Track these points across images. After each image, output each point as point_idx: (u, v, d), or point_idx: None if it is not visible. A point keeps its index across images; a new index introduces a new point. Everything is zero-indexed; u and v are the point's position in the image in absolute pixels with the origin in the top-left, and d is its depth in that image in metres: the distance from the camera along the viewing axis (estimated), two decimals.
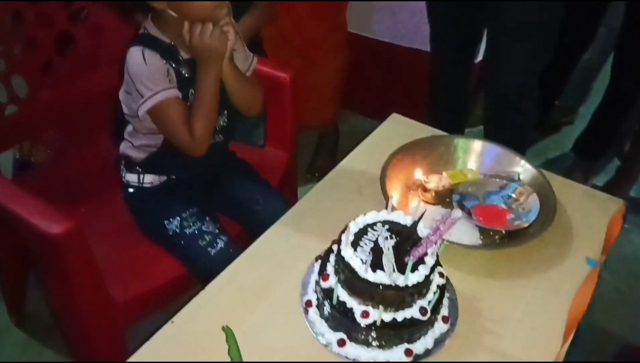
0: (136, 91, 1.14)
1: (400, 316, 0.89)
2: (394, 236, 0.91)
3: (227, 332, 0.92)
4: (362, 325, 0.88)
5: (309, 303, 0.97)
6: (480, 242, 1.12)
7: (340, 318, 0.90)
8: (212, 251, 1.21)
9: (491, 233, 1.13)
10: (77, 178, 1.48)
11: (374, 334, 0.88)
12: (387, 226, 0.93)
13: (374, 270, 0.86)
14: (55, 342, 1.55)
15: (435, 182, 1.19)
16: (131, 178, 1.31)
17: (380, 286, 0.85)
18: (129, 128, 1.27)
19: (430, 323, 0.91)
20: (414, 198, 1.20)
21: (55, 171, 1.56)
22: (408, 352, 0.89)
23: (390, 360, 0.89)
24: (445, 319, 0.94)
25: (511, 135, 1.76)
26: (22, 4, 1.38)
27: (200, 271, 1.20)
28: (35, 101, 1.43)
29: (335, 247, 0.94)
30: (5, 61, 1.39)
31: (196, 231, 1.23)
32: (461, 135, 1.32)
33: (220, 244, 1.22)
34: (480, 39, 1.90)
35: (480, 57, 2.01)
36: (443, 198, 1.19)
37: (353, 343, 0.90)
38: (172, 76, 1.15)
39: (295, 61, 1.87)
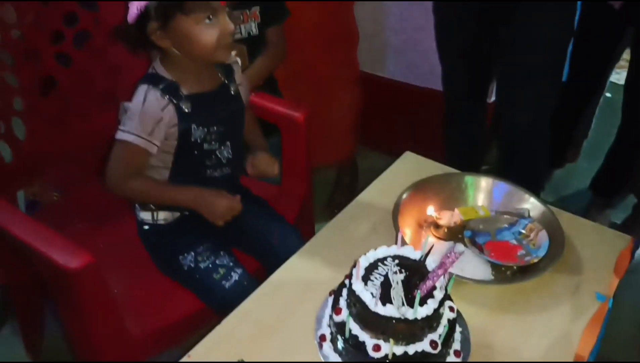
0: (124, 117, 1.19)
1: (411, 349, 0.89)
2: (403, 270, 0.93)
3: None
4: (375, 358, 0.89)
5: (323, 337, 0.98)
6: (492, 277, 1.13)
7: (353, 352, 0.91)
8: (227, 284, 1.23)
9: (503, 268, 1.14)
10: (88, 215, 1.53)
11: None
12: (397, 261, 0.95)
13: (383, 304, 0.88)
14: None
15: (447, 218, 1.22)
16: (145, 216, 1.34)
17: (393, 320, 0.87)
18: None
19: (442, 356, 0.92)
20: (426, 234, 1.22)
21: (65, 209, 1.61)
22: None
23: None
24: (457, 353, 0.95)
25: (524, 173, 1.78)
26: (42, 45, 1.46)
27: (216, 304, 1.23)
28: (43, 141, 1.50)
29: (347, 281, 0.96)
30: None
31: (210, 265, 1.26)
32: (472, 173, 1.34)
33: (235, 277, 1.24)
34: (491, 79, 1.94)
35: (493, 98, 2.06)
36: (455, 234, 1.21)
37: None
38: (161, 130, 1.19)
39: (308, 98, 1.93)
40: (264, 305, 1.07)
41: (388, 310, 0.87)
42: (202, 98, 1.23)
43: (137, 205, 1.37)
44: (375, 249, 0.96)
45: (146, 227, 1.34)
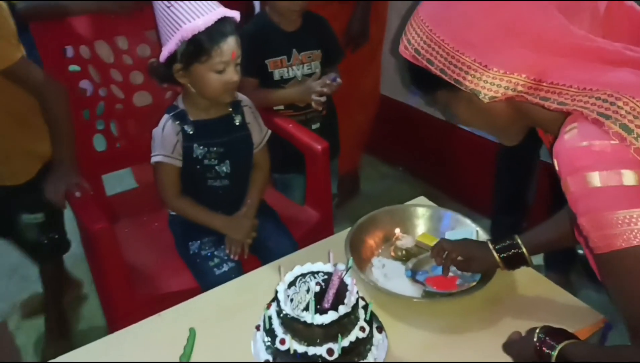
0: (153, 145, 1.54)
1: (311, 351, 1.07)
2: (323, 283, 1.11)
3: (192, 332, 1.19)
4: (280, 349, 1.09)
5: (258, 327, 1.19)
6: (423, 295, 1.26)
7: (271, 342, 1.11)
8: (217, 272, 1.51)
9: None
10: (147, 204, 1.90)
11: None
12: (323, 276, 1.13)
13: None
14: None
15: (404, 241, 1.38)
16: None
17: (292, 319, 1.05)
18: None
19: None
20: (376, 255, 1.38)
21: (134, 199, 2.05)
22: None
23: None
24: None
25: None
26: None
27: (204, 285, 1.49)
28: None
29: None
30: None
31: (209, 254, 1.54)
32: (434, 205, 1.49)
33: (225, 268, 1.51)
34: None
35: None
36: (410, 257, 1.36)
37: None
38: (179, 149, 1.52)
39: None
40: (231, 295, 1.30)
41: (291, 310, 1.06)
42: (205, 124, 1.54)
43: None
44: (302, 265, 1.15)
45: (173, 213, 1.67)
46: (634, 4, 0.91)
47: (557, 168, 0.84)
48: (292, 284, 1.12)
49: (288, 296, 1.10)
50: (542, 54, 0.86)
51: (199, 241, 1.57)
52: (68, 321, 2.09)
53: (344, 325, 1.07)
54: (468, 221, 1.40)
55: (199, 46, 1.40)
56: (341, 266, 1.04)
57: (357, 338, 1.09)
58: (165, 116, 1.53)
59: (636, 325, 0.83)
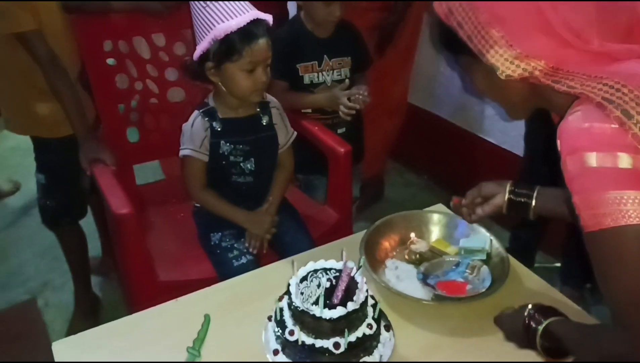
0: (182, 139, 1.60)
1: (318, 343, 1.11)
2: (333, 280, 1.15)
3: (206, 318, 1.24)
4: (289, 340, 1.13)
5: (270, 318, 1.24)
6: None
7: (281, 332, 1.16)
8: (235, 263, 1.56)
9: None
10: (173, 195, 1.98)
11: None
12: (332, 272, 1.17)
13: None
14: None
15: (418, 245, 1.41)
16: None
17: (303, 312, 1.09)
18: None
19: (344, 357, 1.11)
20: (390, 257, 1.40)
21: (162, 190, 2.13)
22: None
23: None
24: None
25: None
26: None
27: (222, 275, 1.55)
28: None
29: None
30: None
31: (229, 246, 1.60)
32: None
33: (243, 260, 1.57)
34: None
35: None
36: (423, 261, 1.38)
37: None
38: (206, 144, 1.58)
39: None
40: (248, 286, 1.35)
41: (301, 303, 1.10)
42: (233, 122, 1.60)
43: None
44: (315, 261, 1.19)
45: (197, 205, 1.73)
46: None
47: (559, 147, 0.87)
48: (304, 279, 1.17)
49: (300, 290, 1.14)
50: (565, 45, 0.89)
51: (220, 233, 1.63)
52: (95, 297, 2.16)
53: (351, 320, 1.11)
54: (482, 230, 1.42)
55: (230, 46, 1.46)
56: (350, 264, 1.07)
57: (364, 334, 1.13)
58: (196, 112, 1.60)
59: (617, 307, 0.85)
